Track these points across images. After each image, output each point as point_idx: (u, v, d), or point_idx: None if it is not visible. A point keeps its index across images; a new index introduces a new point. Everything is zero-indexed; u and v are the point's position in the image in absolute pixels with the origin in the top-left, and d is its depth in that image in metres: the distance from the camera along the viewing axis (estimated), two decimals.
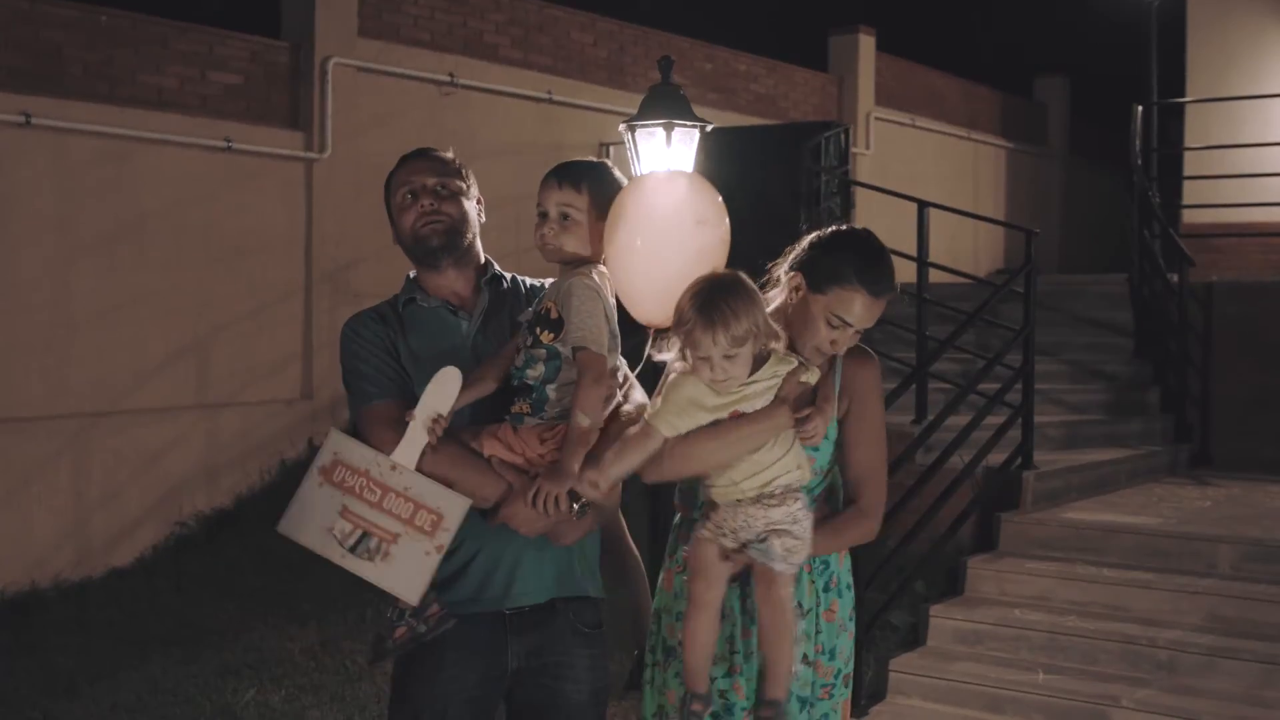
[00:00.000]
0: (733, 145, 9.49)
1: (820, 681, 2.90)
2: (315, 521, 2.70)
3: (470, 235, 3.05)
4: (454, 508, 2.73)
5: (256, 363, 8.85)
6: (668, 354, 2.78)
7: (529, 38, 10.71)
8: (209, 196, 8.57)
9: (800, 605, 2.88)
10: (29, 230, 7.71)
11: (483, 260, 3.11)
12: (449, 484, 2.79)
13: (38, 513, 7.63)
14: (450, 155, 3.12)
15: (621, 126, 4.95)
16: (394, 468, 2.72)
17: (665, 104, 4.85)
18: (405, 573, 2.69)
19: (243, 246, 8.76)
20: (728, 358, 2.68)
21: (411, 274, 3.10)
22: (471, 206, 3.08)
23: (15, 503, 7.54)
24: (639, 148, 4.88)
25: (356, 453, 2.75)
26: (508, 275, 3.14)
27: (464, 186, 3.06)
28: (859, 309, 2.86)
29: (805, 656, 2.90)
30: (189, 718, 5.64)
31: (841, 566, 2.98)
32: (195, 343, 8.54)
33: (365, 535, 2.68)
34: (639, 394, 3.04)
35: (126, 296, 8.15)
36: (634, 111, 4.93)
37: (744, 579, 2.87)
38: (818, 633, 2.90)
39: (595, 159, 3.00)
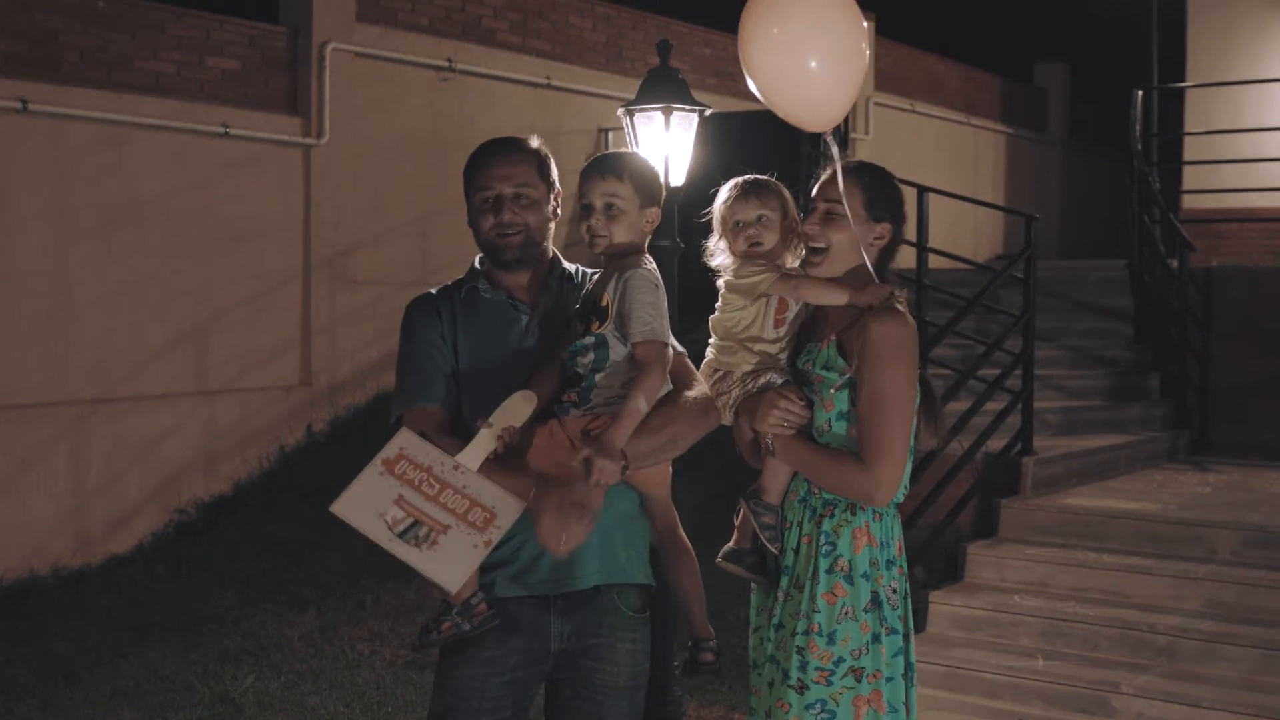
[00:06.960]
0: (731, 130, 9.44)
1: (815, 664, 2.89)
2: (369, 506, 2.78)
3: (545, 241, 3.06)
4: (508, 508, 2.80)
5: (255, 349, 8.84)
6: (719, 258, 3.07)
7: (527, 23, 10.68)
8: (207, 182, 8.55)
9: (798, 578, 2.97)
10: (27, 217, 7.69)
11: (550, 255, 3.10)
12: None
13: (36, 500, 7.62)
14: (536, 147, 3.06)
15: (620, 111, 4.94)
16: (456, 467, 2.81)
17: (664, 88, 4.84)
18: (449, 561, 2.77)
19: (241, 232, 8.74)
20: (760, 220, 3.01)
21: (477, 262, 3.10)
22: (548, 209, 3.06)
23: (14, 489, 7.53)
24: (637, 132, 4.87)
25: (422, 450, 2.83)
26: (574, 268, 3.14)
27: (543, 190, 3.04)
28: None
29: (788, 626, 2.97)
30: (188, 704, 5.64)
31: (858, 554, 2.93)
32: (194, 329, 8.52)
33: (416, 523, 2.76)
34: (701, 386, 3.05)
35: (125, 283, 8.13)
36: (632, 96, 4.92)
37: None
38: (814, 611, 2.90)
39: (625, 150, 3.00)
